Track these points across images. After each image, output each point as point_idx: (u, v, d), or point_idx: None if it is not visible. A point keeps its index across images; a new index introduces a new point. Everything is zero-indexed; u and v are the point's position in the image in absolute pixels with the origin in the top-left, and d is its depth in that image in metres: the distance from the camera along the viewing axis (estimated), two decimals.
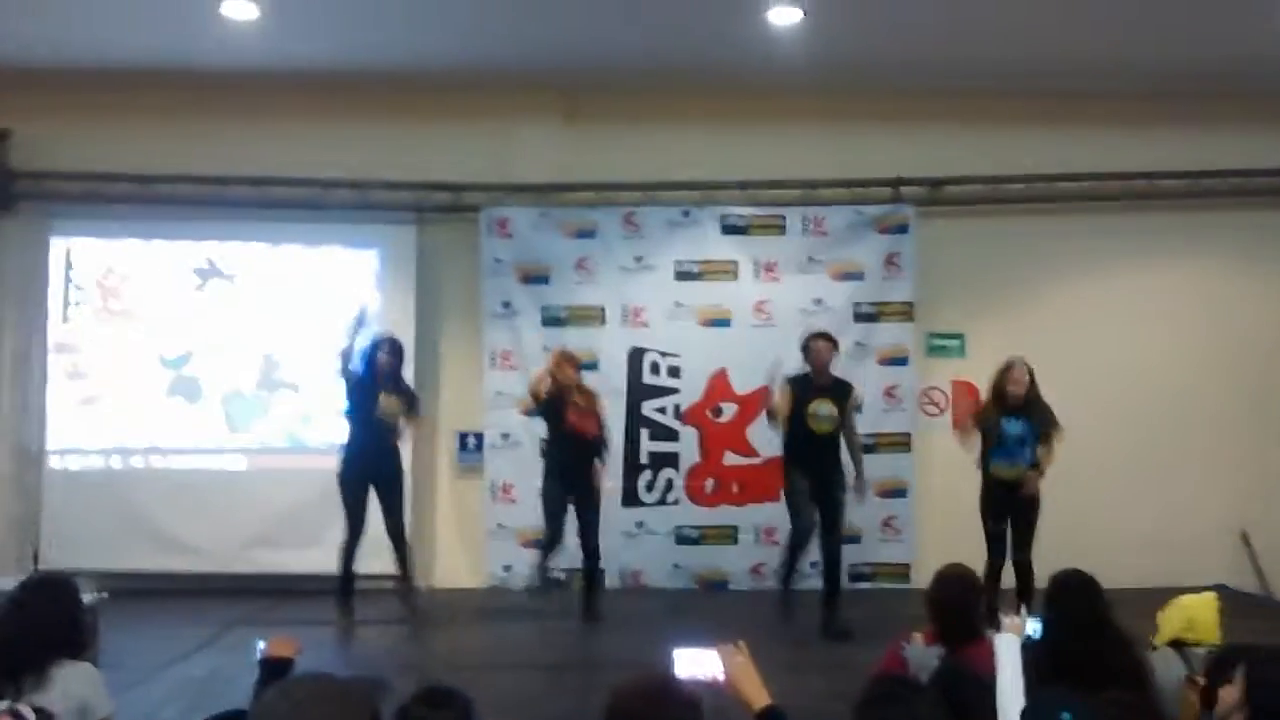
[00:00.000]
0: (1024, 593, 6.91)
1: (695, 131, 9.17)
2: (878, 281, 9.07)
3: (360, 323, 7.64)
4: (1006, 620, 3.49)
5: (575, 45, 8.30)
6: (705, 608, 8.07)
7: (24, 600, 3.50)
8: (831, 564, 7.33)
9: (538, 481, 7.88)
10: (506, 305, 9.05)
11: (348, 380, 7.64)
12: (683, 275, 9.09)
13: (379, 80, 8.80)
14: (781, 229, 9.11)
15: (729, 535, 8.95)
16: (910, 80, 8.72)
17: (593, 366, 8.83)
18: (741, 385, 8.92)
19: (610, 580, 8.41)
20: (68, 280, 8.98)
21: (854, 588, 8.31)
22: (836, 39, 7.98)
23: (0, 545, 8.82)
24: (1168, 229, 9.22)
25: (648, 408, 9.04)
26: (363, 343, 7.70)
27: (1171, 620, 4.26)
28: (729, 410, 9.03)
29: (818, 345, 7.36)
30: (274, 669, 3.27)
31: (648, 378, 9.08)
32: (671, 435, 9.04)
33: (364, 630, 7.47)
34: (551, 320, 8.99)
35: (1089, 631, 3.74)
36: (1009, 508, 7.13)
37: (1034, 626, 3.63)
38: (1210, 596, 4.36)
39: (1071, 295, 9.26)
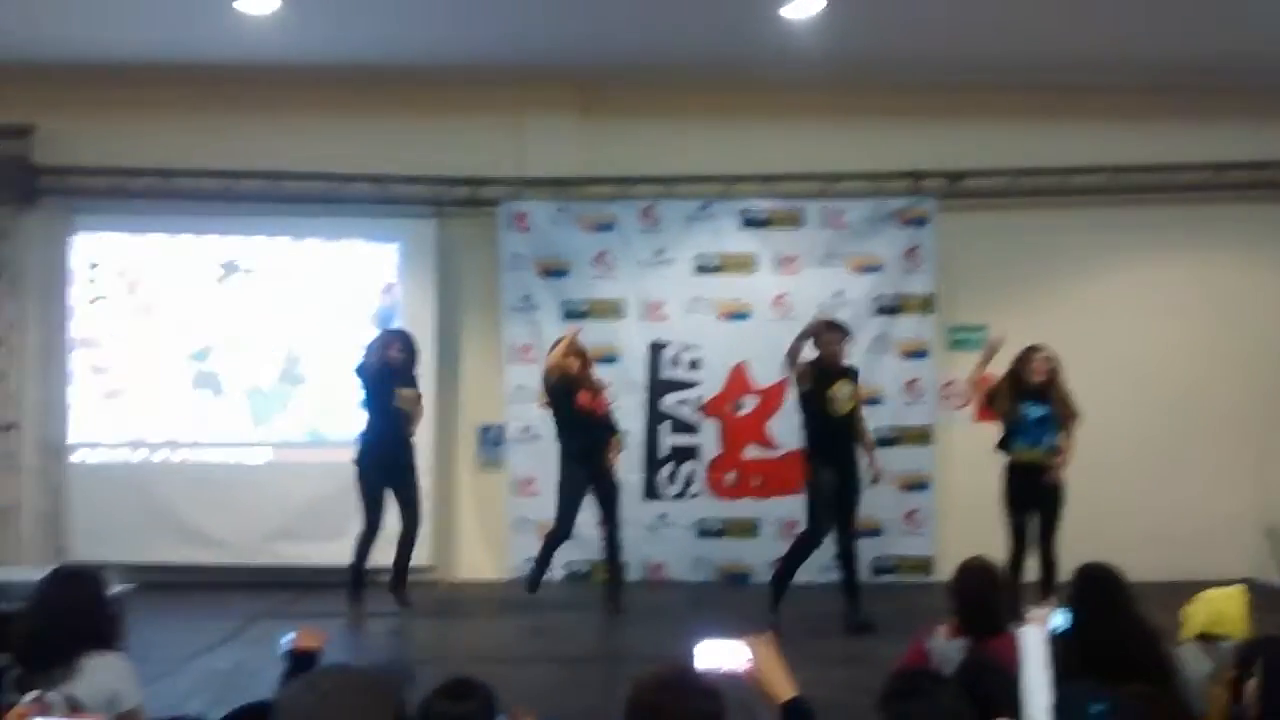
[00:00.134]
0: (1047, 585, 6.88)
1: (714, 125, 9.15)
2: (898, 274, 9.04)
3: (386, 318, 7.66)
4: (1031, 613, 3.48)
5: (593, 39, 8.30)
6: (727, 601, 8.07)
7: (52, 592, 3.53)
8: (851, 557, 7.29)
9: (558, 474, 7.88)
10: (526, 299, 9.06)
11: (364, 373, 7.67)
12: (702, 269, 9.08)
13: (398, 74, 8.81)
14: (801, 222, 9.09)
15: (750, 528, 8.94)
16: (928, 74, 8.68)
17: (612, 360, 8.87)
18: (762, 378, 8.91)
19: (632, 573, 8.43)
20: (90, 275, 9.04)
21: (875, 581, 8.31)
22: (854, 32, 7.95)
23: (27, 539, 8.91)
24: (1188, 222, 9.16)
25: (668, 401, 9.05)
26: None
27: (1199, 614, 4.23)
28: (749, 403, 9.02)
29: (830, 338, 7.31)
30: (300, 661, 3.28)
31: (667, 371, 9.08)
32: (692, 428, 9.04)
33: (384, 623, 7.50)
34: (571, 314, 8.97)
35: (1114, 624, 3.73)
36: (1032, 497, 7.10)
37: (1059, 619, 3.62)
38: (1237, 590, 4.34)
39: (1093, 288, 9.20)
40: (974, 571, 4.10)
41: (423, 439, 8.27)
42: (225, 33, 7.95)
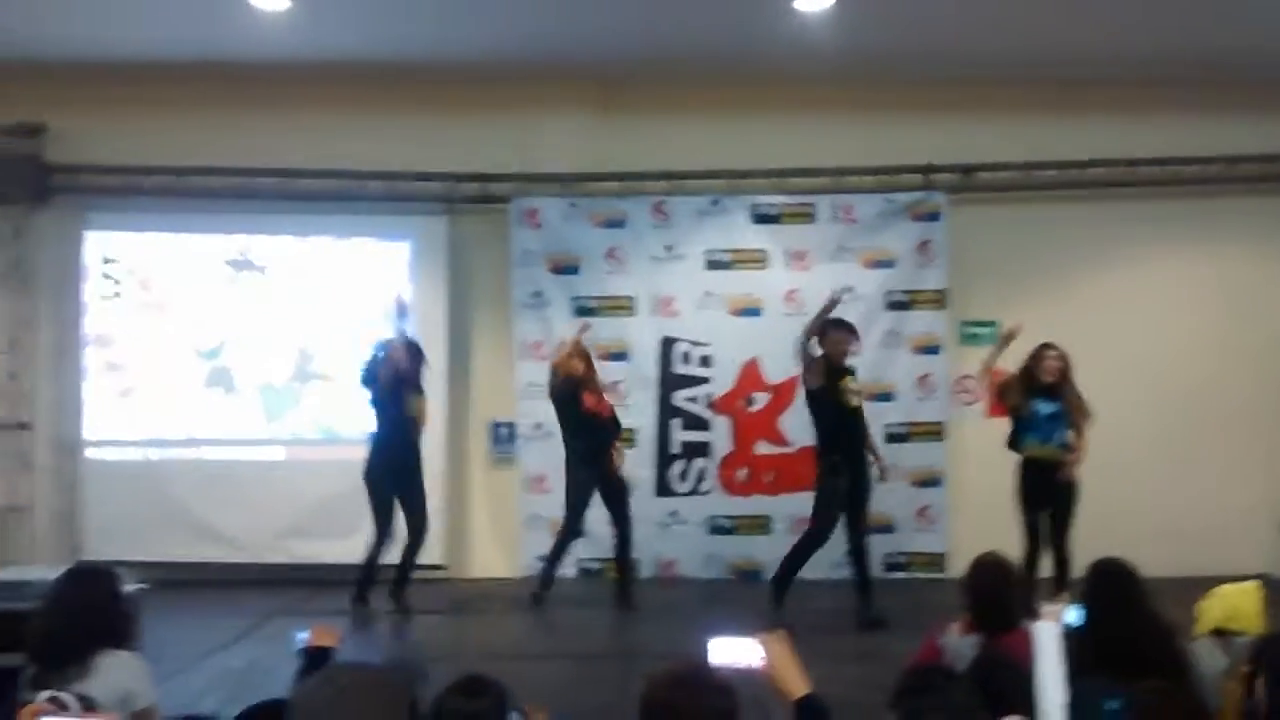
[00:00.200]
0: (1061, 581, 6.86)
1: (725, 120, 9.11)
2: (910, 269, 9.01)
3: (401, 315, 7.66)
4: (1045, 608, 3.47)
5: (604, 34, 8.29)
6: (739, 598, 8.06)
7: (66, 591, 3.55)
8: (863, 553, 7.28)
9: None
10: (537, 295, 9.05)
11: (372, 385, 7.68)
12: (713, 264, 9.06)
13: (410, 71, 8.82)
14: (812, 217, 9.07)
15: (762, 525, 8.92)
16: (940, 67, 8.64)
17: (624, 356, 8.87)
18: (773, 374, 8.90)
19: (644, 570, 8.43)
20: (103, 273, 9.06)
21: (888, 577, 8.30)
22: (866, 27, 7.93)
23: (41, 537, 8.95)
24: (1200, 215, 9.10)
25: (679, 397, 9.03)
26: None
27: (1214, 609, 4.22)
28: (761, 399, 9.01)
29: (838, 337, 7.30)
30: (314, 658, 3.30)
31: (679, 367, 9.07)
32: (703, 425, 9.03)
33: (397, 621, 7.51)
34: (582, 310, 8.97)
35: (1128, 620, 3.72)
36: (1046, 493, 7.08)
37: (1073, 615, 3.61)
38: (1252, 586, 4.32)
39: (1106, 282, 9.15)
40: (987, 567, 4.10)
41: (434, 436, 8.30)
42: (238, 30, 7.97)
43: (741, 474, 9.01)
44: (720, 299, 9.04)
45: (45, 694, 3.00)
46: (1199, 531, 8.47)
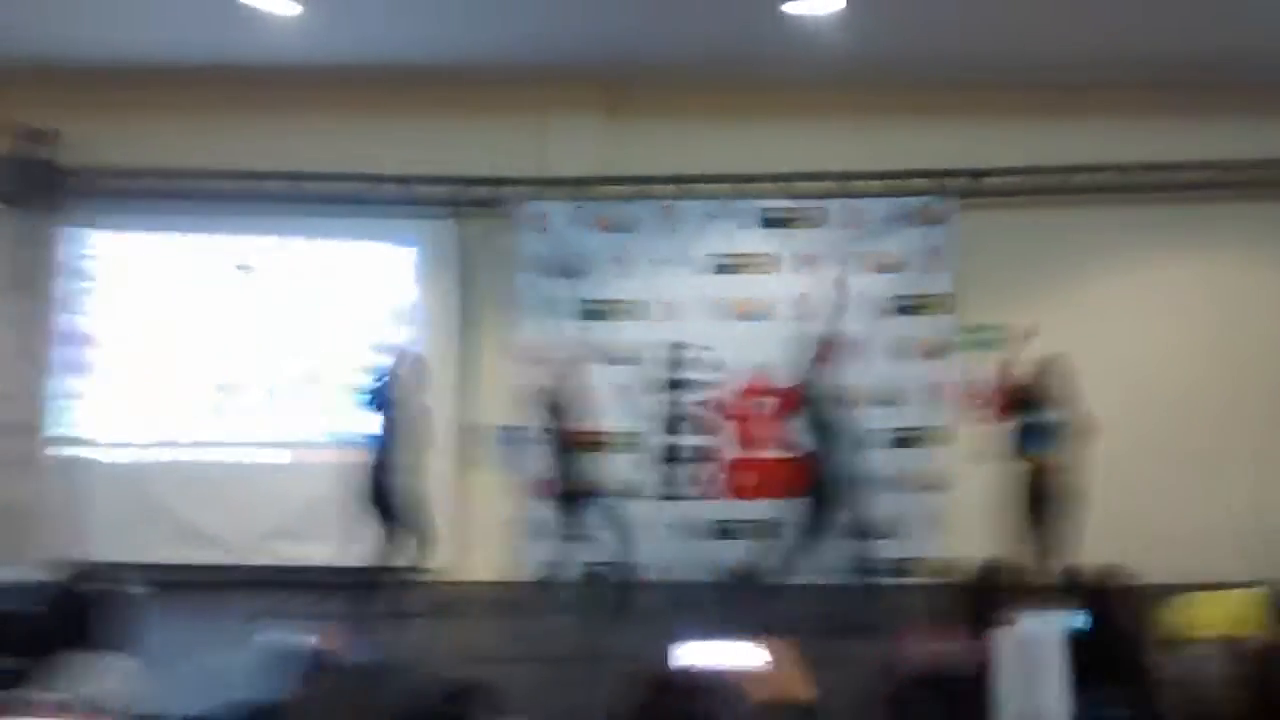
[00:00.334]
0: (1056, 589, 6.82)
1: (733, 125, 9.12)
2: (917, 274, 8.98)
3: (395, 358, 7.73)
4: (1014, 617, 3.45)
5: (612, 39, 8.30)
6: (742, 602, 8.02)
7: (59, 593, 3.56)
8: (862, 558, 7.28)
9: None
10: (545, 300, 9.06)
11: (379, 403, 7.71)
12: (721, 269, 9.06)
13: (418, 76, 8.84)
14: (820, 222, 9.05)
15: (767, 530, 8.88)
16: (948, 72, 8.63)
17: (630, 360, 8.85)
18: (780, 379, 8.87)
19: (646, 574, 8.41)
20: (112, 276, 9.11)
21: (888, 582, 8.24)
22: (874, 32, 7.93)
23: (39, 539, 8.93)
24: (1209, 220, 9.06)
25: (686, 401, 9.02)
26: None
27: (1216, 615, 4.19)
28: (767, 404, 8.98)
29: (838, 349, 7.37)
30: (303, 661, 3.29)
31: (686, 371, 9.06)
32: (709, 429, 9.01)
33: (388, 624, 7.49)
34: (589, 314, 8.98)
35: (1123, 628, 3.69)
36: (1041, 500, 7.08)
37: (1069, 623, 3.58)
38: (1256, 592, 4.29)
39: (1117, 286, 9.13)
40: (982, 573, 4.08)
41: (440, 440, 8.29)
42: (248, 35, 8.01)
43: (746, 478, 8.97)
44: (728, 303, 9.03)
45: (39, 695, 3.00)
46: (1187, 537, 8.35)
